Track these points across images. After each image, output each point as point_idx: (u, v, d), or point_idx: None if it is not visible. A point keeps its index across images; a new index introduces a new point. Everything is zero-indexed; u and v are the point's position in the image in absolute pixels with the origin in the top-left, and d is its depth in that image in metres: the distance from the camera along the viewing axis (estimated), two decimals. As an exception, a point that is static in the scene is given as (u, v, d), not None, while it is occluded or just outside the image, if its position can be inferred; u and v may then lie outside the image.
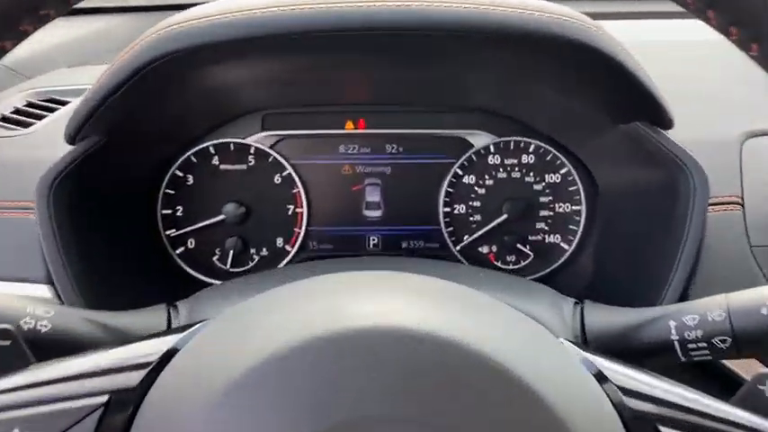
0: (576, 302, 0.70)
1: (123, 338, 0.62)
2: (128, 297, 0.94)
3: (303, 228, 1.14)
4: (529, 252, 1.15)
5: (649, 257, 0.92)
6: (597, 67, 0.78)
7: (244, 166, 1.13)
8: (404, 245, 1.17)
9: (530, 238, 1.15)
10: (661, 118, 0.87)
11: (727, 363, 0.83)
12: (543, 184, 1.15)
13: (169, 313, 0.70)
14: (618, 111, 0.90)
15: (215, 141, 1.12)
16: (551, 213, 1.15)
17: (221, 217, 1.11)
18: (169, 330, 0.60)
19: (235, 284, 0.75)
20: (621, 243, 1.03)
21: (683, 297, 0.83)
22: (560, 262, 1.15)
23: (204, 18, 0.76)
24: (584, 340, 0.65)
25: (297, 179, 1.13)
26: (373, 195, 1.16)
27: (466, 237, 1.16)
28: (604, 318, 0.66)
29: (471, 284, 0.68)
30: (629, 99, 0.84)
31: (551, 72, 0.87)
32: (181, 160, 1.11)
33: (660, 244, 0.89)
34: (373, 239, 1.17)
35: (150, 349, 0.49)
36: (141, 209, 1.09)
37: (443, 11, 0.74)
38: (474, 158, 1.15)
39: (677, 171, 0.86)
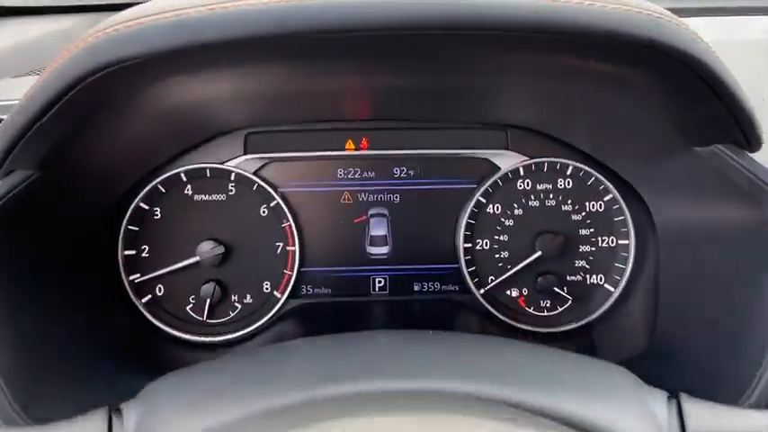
0: (669, 397, 0.55)
1: None
2: (76, 373, 0.75)
3: (295, 269, 0.97)
4: (567, 296, 0.98)
5: (731, 314, 0.74)
6: (685, 74, 0.60)
7: (222, 197, 0.96)
8: (416, 287, 1.00)
9: (567, 278, 0.99)
10: (749, 139, 0.69)
11: None
12: (583, 213, 0.98)
13: (110, 423, 0.51)
14: (697, 129, 0.72)
15: (187, 167, 0.95)
16: (593, 249, 0.99)
17: (196, 258, 0.94)
18: None
19: (194, 377, 0.57)
20: (685, 292, 0.85)
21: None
22: (604, 308, 0.98)
23: (155, 16, 0.56)
24: None
25: (287, 210, 0.96)
26: (378, 229, 0.99)
27: (491, 278, 0.99)
28: (712, 422, 0.53)
29: (531, 375, 0.54)
30: (715, 116, 0.66)
31: (622, 78, 0.68)
32: (146, 190, 0.94)
33: (748, 298, 0.71)
34: (379, 282, 1.00)
35: None
36: (96, 251, 0.90)
37: (498, 4, 0.54)
38: (500, 183, 0.98)
39: None
